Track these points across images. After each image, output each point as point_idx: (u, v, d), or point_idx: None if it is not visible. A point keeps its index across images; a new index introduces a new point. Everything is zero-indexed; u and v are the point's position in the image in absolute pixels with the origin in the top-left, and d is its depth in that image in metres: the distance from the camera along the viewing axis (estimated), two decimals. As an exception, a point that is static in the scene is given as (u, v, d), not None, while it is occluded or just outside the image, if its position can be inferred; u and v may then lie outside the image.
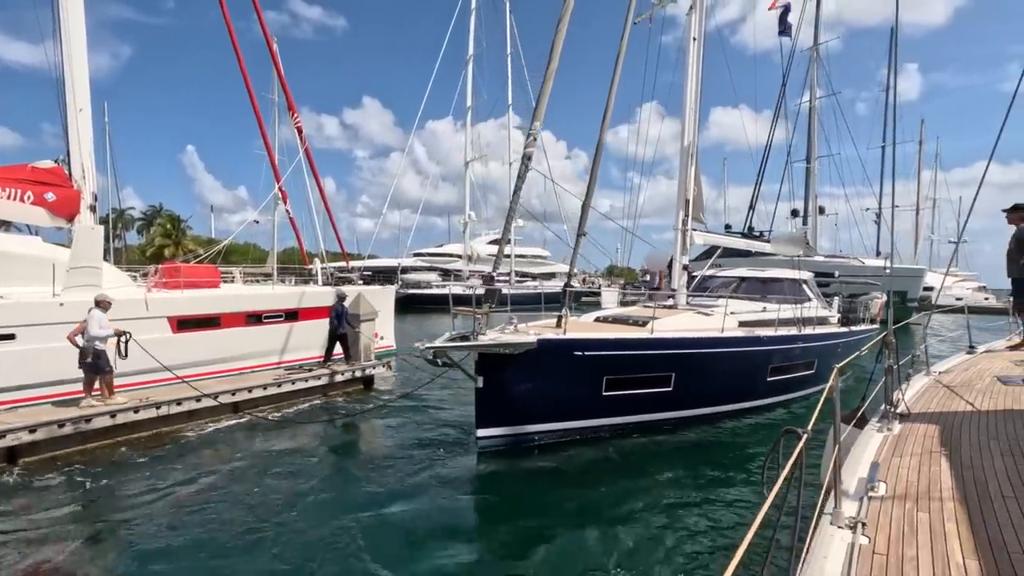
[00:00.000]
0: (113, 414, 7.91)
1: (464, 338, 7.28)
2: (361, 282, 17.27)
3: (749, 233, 24.23)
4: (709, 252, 15.37)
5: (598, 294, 19.91)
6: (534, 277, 44.71)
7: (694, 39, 11.98)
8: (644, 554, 5.03)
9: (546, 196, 41.61)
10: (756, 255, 16.81)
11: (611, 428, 8.41)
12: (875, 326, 13.76)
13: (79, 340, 7.86)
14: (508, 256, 42.59)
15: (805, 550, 2.55)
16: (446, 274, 42.46)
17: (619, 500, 6.23)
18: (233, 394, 9.43)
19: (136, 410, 8.16)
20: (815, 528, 2.75)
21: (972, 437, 3.96)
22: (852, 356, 4.51)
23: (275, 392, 10.13)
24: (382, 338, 15.56)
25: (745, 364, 9.43)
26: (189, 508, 5.91)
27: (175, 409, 8.65)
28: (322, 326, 12.24)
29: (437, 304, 35.99)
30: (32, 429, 7.19)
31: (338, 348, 11.71)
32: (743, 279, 12.74)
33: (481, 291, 7.87)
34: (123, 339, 8.30)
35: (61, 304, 9.10)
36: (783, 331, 9.94)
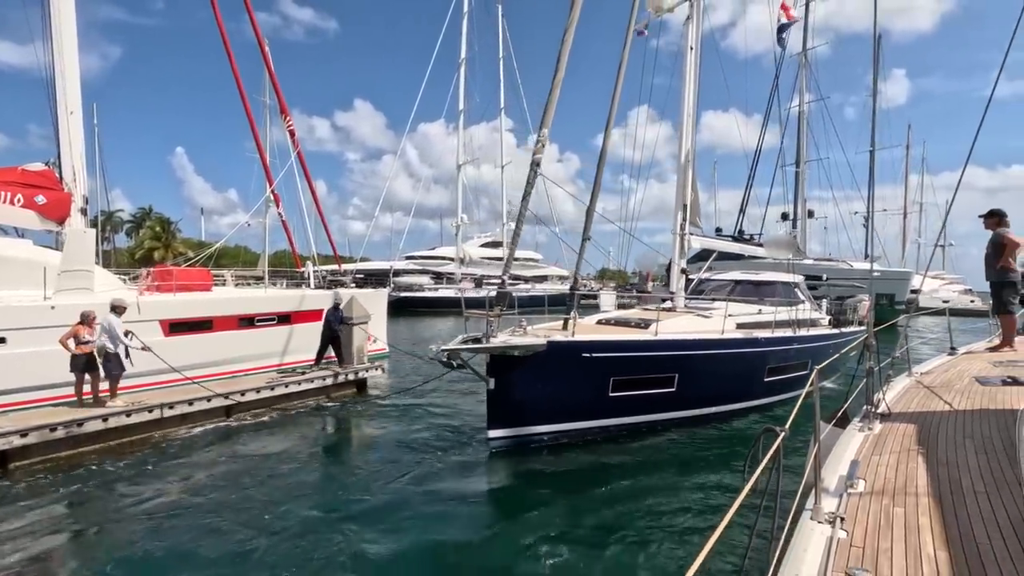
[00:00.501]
0: (105, 418, 7.90)
1: (476, 340, 7.40)
2: (354, 285, 17.28)
3: (740, 236, 24.47)
4: (702, 255, 15.57)
5: (596, 296, 20.11)
6: (527, 280, 44.86)
7: (691, 48, 12.20)
8: (648, 551, 5.09)
9: (537, 199, 41.30)
10: (747, 258, 17.06)
11: (617, 428, 8.57)
12: (864, 328, 14.00)
13: (98, 340, 7.95)
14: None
15: (782, 540, 2.66)
16: (438, 277, 42.50)
17: (626, 499, 6.31)
18: (226, 397, 9.43)
19: (128, 414, 8.15)
20: (796, 523, 2.86)
21: (949, 435, 4.10)
22: (833, 357, 4.62)
23: (268, 395, 10.13)
24: (375, 341, 15.58)
25: (744, 365, 9.67)
26: (181, 512, 5.91)
27: (168, 412, 8.64)
28: (315, 329, 12.26)
29: (430, 307, 36.03)
30: (24, 433, 7.16)
31: (330, 351, 11.75)
32: (738, 282, 12.99)
33: (492, 294, 8.04)
34: (132, 343, 8.37)
35: (52, 307, 9.07)
36: (779, 333, 10.19)
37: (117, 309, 8.32)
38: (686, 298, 11.80)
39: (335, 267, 20.25)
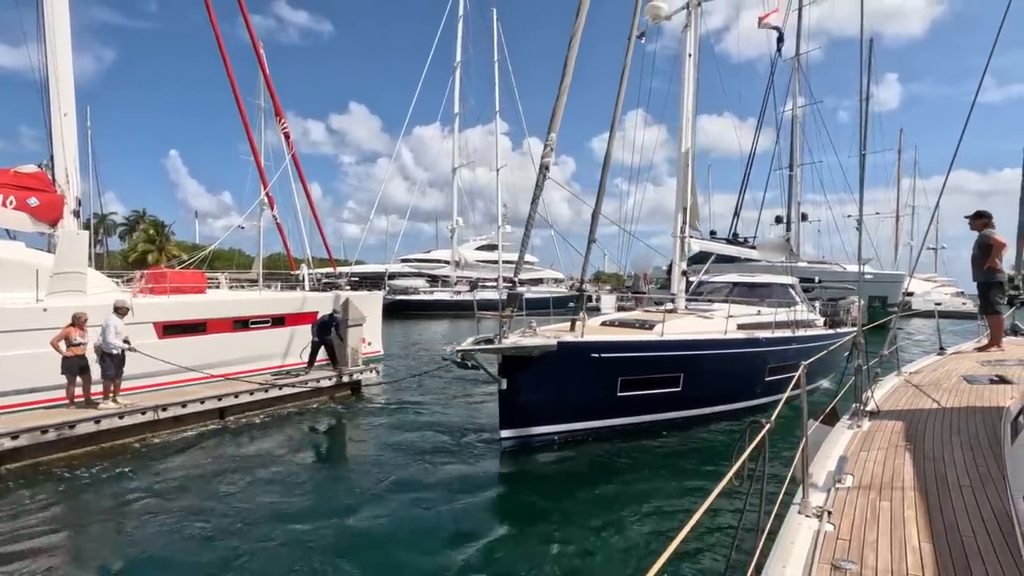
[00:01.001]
0: (97, 420, 7.86)
1: (489, 341, 7.49)
2: (349, 288, 17.27)
3: (735, 239, 24.63)
4: (699, 258, 15.72)
5: (597, 299, 20.25)
6: (522, 283, 44.81)
7: (689, 55, 12.35)
8: (651, 548, 5.10)
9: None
10: (742, 261, 17.19)
11: (625, 427, 8.68)
12: (856, 328, 14.12)
13: (100, 340, 7.94)
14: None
15: (766, 533, 2.70)
16: (433, 280, 42.45)
17: (635, 499, 6.34)
18: (219, 399, 9.40)
19: (121, 416, 8.12)
20: (785, 517, 2.90)
21: (936, 432, 4.16)
22: (819, 354, 4.68)
23: (262, 397, 10.09)
24: (370, 343, 15.57)
25: (747, 365, 9.84)
26: (172, 515, 5.88)
27: (161, 415, 8.60)
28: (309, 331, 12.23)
29: (425, 310, 35.99)
30: (15, 435, 7.13)
31: (323, 354, 11.72)
32: (735, 284, 13.19)
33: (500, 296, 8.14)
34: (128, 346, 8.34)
35: (45, 310, 9.03)
36: (779, 333, 10.35)
37: (120, 310, 8.29)
38: (687, 299, 11.94)
39: (330, 270, 20.24)
